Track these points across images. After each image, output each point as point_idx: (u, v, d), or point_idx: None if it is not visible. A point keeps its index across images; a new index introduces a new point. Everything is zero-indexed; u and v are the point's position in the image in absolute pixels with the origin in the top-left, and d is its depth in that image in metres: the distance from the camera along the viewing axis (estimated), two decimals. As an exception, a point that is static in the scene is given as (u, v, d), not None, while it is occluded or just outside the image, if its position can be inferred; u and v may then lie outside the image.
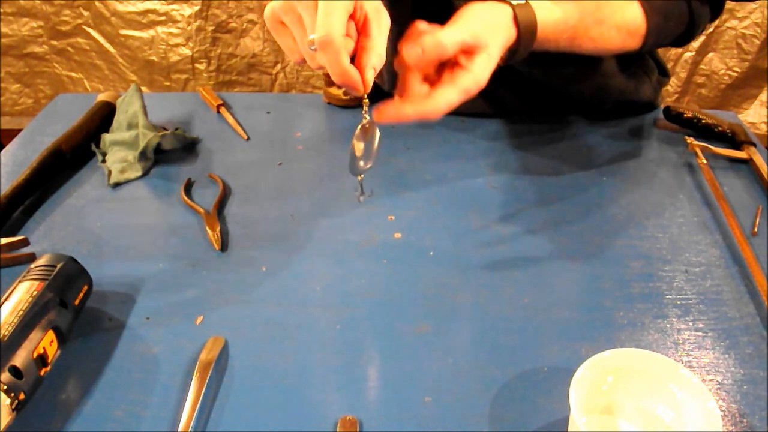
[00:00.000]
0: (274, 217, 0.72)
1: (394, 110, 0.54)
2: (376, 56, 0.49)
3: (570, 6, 0.66)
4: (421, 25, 0.57)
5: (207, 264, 0.65)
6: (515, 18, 0.61)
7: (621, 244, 0.68)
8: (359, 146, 0.55)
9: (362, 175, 0.58)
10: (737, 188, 0.77)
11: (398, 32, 0.84)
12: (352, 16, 0.48)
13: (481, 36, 0.57)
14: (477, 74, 0.56)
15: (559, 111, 0.91)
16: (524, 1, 0.62)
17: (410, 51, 0.54)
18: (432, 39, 0.54)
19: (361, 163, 0.55)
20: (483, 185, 0.77)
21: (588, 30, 0.68)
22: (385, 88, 0.93)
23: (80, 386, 0.52)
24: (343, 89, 0.93)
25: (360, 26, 0.49)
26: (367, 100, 0.52)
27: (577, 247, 0.67)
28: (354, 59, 0.49)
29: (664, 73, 0.93)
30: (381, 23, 0.50)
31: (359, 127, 0.54)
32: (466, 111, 0.89)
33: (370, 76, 0.49)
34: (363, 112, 0.53)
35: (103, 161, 0.81)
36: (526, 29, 0.61)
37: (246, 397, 0.51)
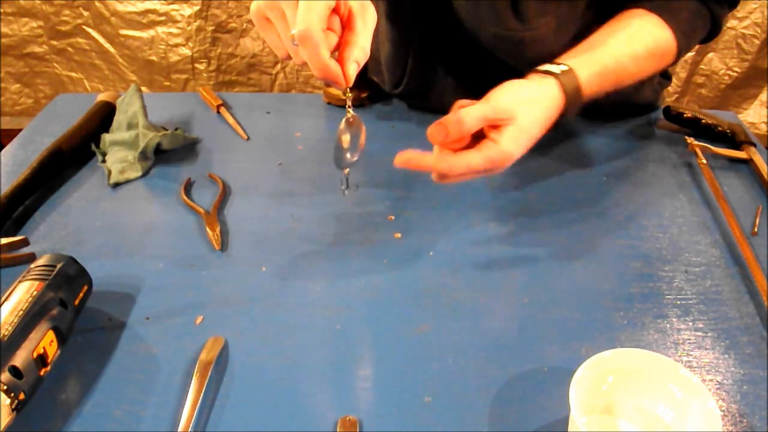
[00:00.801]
0: (274, 217, 0.72)
1: (415, 157, 0.57)
2: (358, 50, 0.50)
3: (605, 52, 0.67)
4: (462, 102, 0.59)
5: (207, 264, 0.65)
6: (562, 87, 0.62)
7: (621, 244, 0.68)
8: (345, 138, 0.55)
9: (348, 169, 0.58)
10: (737, 188, 0.77)
11: (398, 34, 0.84)
12: (336, 11, 0.49)
13: (506, 111, 0.58)
14: (503, 145, 0.57)
15: None
16: (566, 68, 0.63)
17: (436, 134, 0.56)
18: (454, 117, 0.56)
19: (348, 155, 0.56)
20: (483, 185, 0.77)
21: (626, 68, 0.68)
22: (386, 89, 0.93)
23: (80, 386, 0.52)
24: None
25: (345, 21, 0.50)
26: (350, 94, 0.53)
27: (577, 247, 0.67)
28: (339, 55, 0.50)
29: (666, 77, 0.93)
30: (366, 18, 0.50)
31: (343, 120, 0.54)
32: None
33: (352, 70, 0.49)
34: (347, 106, 0.54)
35: (103, 161, 0.81)
36: (572, 94, 0.63)
37: (246, 397, 0.51)
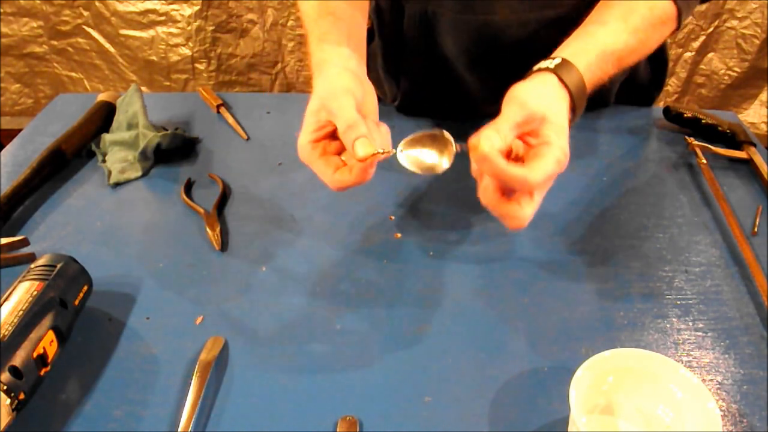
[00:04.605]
0: (274, 217, 0.72)
1: (496, 157, 0.49)
2: (364, 148, 0.53)
3: (601, 35, 0.61)
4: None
5: (207, 264, 0.65)
6: (562, 81, 0.56)
7: (621, 244, 0.68)
8: (422, 162, 0.57)
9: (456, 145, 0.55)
10: (737, 188, 0.77)
11: (387, 47, 0.84)
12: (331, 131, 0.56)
13: (538, 111, 0.53)
14: (560, 143, 0.52)
15: None
16: (559, 60, 0.57)
17: (482, 163, 0.50)
18: (488, 143, 0.50)
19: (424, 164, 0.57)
20: (483, 185, 0.77)
21: (627, 45, 0.63)
22: (386, 101, 0.93)
23: (80, 386, 0.52)
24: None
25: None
26: (381, 151, 0.55)
27: (577, 247, 0.67)
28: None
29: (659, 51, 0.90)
30: (366, 101, 0.56)
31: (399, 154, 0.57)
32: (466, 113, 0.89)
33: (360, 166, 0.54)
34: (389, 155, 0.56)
35: (103, 161, 0.81)
36: (576, 88, 0.57)
37: (246, 397, 0.51)
